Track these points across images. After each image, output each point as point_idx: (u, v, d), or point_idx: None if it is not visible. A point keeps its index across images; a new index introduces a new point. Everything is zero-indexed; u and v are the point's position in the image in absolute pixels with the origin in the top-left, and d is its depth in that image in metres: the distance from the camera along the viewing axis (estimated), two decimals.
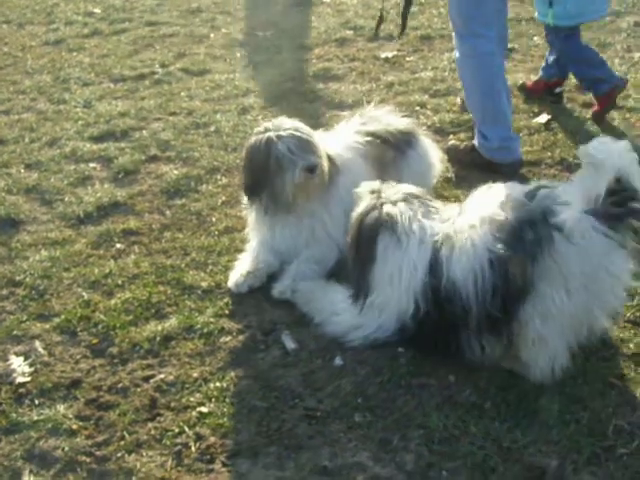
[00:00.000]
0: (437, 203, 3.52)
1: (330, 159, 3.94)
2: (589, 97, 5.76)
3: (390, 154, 4.28)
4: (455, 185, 4.73)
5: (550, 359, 3.09)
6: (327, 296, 3.64)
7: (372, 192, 3.51)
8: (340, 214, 3.89)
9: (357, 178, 3.91)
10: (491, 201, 3.16)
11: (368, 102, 4.75)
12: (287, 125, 3.87)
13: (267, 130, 3.87)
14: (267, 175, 3.81)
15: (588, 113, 5.54)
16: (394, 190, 3.50)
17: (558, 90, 5.88)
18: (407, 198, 3.44)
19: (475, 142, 4.94)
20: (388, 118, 4.49)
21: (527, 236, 2.98)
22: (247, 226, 4.16)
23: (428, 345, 3.31)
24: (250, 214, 4.06)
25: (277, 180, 3.80)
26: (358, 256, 3.44)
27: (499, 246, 3.02)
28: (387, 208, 3.38)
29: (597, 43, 6.93)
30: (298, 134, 3.83)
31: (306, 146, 3.81)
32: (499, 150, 4.85)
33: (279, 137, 3.79)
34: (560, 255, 2.95)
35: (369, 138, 4.22)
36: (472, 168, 4.86)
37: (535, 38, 7.19)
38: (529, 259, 2.97)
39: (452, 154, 5.02)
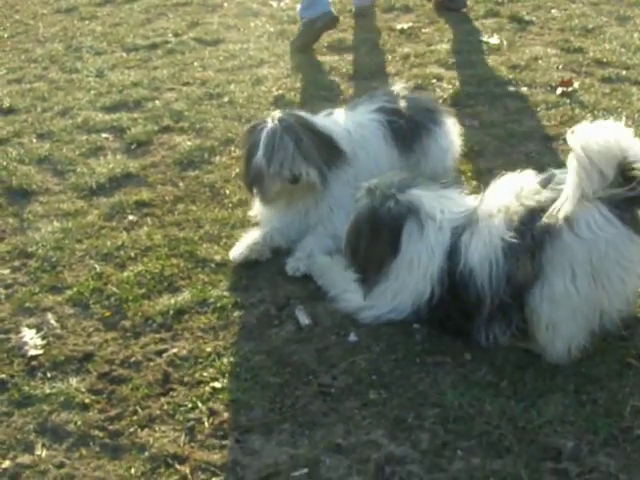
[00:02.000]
0: (446, 190, 3.51)
1: (332, 144, 3.90)
2: (608, 72, 5.70)
3: (416, 132, 4.24)
4: (471, 160, 4.68)
5: (566, 342, 3.07)
6: (342, 271, 3.61)
7: (369, 190, 3.47)
8: (348, 195, 3.84)
9: (373, 156, 3.99)
10: (509, 190, 3.15)
11: (387, 75, 4.72)
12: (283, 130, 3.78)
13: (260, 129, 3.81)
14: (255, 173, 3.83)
15: (607, 88, 5.47)
16: (394, 181, 3.47)
17: None
18: (416, 184, 3.44)
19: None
20: (412, 95, 4.45)
21: (537, 224, 2.97)
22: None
23: (440, 331, 3.31)
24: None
25: (259, 183, 3.83)
26: (374, 249, 3.40)
27: (510, 234, 3.02)
28: (404, 196, 3.35)
29: (616, 16, 6.87)
30: (289, 141, 3.76)
31: (294, 154, 3.75)
32: (308, 8, 6.42)
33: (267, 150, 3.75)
34: (566, 245, 2.94)
35: (394, 116, 4.17)
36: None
37: (553, 11, 7.10)
38: (537, 247, 2.97)
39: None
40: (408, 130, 4.18)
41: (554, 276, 2.97)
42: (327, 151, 3.85)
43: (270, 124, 3.78)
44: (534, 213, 3.00)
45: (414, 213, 3.32)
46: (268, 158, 3.72)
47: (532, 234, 2.98)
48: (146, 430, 2.97)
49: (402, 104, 4.26)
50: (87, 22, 7.81)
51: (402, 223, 3.32)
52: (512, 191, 3.12)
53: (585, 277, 2.95)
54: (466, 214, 3.28)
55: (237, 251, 3.89)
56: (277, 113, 3.88)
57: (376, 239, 3.38)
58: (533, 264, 2.99)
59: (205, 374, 3.20)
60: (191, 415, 3.02)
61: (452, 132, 4.46)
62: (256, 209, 4.11)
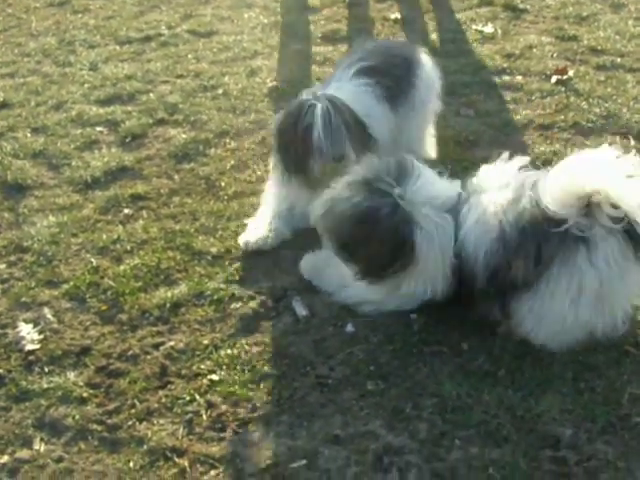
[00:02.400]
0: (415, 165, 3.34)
1: (362, 123, 3.92)
2: (602, 59, 5.70)
3: (399, 83, 4.26)
4: (467, 149, 4.68)
5: (557, 344, 3.08)
6: (336, 269, 3.50)
7: (349, 183, 3.29)
8: None
9: (377, 119, 4.04)
10: (520, 182, 3.08)
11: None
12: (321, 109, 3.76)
13: (304, 107, 3.79)
14: (298, 154, 3.80)
15: (602, 75, 5.47)
16: (384, 173, 3.24)
17: None
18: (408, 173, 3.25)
19: None
20: (383, 45, 4.52)
21: (553, 237, 2.92)
22: (266, 184, 4.16)
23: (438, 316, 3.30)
24: (272, 178, 4.05)
25: (305, 162, 3.79)
26: (379, 256, 3.21)
27: (513, 232, 2.97)
28: (404, 203, 3.13)
29: (610, 4, 6.85)
30: (334, 120, 3.75)
31: (338, 134, 3.74)
32: None
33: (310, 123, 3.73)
34: (578, 269, 2.92)
35: (375, 76, 4.15)
36: None
37: None
38: (544, 260, 2.94)
39: None
40: (392, 84, 4.19)
41: (556, 295, 2.96)
42: (361, 132, 3.89)
43: (320, 104, 3.76)
44: (543, 216, 2.93)
45: (418, 225, 3.14)
46: (324, 136, 3.71)
47: (539, 243, 2.93)
48: (144, 423, 2.97)
49: (377, 59, 4.25)
50: (80, 15, 7.77)
51: (410, 235, 3.13)
52: (523, 184, 3.06)
53: (588, 306, 2.96)
54: (474, 200, 3.17)
55: (250, 239, 3.87)
56: (317, 92, 3.88)
57: (381, 245, 3.17)
58: (529, 270, 2.96)
59: (202, 367, 3.20)
60: (189, 408, 3.02)
61: (430, 68, 4.46)
62: (275, 193, 4.06)
